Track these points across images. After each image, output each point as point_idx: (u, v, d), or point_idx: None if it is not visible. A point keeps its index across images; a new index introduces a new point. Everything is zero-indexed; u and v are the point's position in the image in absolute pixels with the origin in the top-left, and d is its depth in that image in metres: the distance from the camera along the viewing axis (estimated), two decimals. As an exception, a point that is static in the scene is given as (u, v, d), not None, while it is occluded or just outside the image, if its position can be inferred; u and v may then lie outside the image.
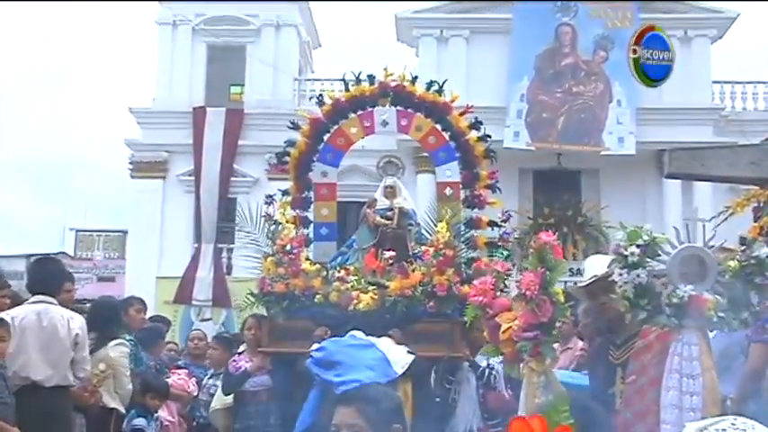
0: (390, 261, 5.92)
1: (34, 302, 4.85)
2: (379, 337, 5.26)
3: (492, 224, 6.36)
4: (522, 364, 3.62)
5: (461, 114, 6.57)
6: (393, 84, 6.52)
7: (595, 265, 3.99)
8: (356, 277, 5.92)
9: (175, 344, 8.30)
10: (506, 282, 3.88)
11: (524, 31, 16.18)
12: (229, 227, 15.24)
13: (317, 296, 5.80)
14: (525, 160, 15.76)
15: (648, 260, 3.36)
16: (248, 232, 6.67)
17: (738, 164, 3.77)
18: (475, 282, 3.96)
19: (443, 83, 6.62)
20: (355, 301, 5.71)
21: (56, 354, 4.75)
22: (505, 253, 6.01)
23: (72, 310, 5.02)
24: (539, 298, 3.46)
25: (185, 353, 7.38)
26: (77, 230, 21.69)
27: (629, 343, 3.76)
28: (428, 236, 6.36)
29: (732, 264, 3.39)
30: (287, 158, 6.56)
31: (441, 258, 5.73)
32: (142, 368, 5.56)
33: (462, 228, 6.31)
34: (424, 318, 5.74)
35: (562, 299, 3.58)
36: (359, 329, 5.34)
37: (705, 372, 3.33)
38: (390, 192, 6.56)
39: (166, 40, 17.98)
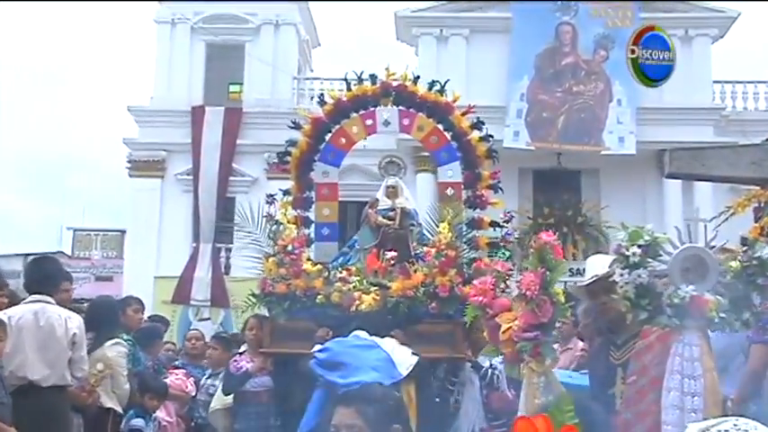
0: (392, 261, 5.90)
1: (31, 302, 4.84)
2: (381, 338, 5.23)
3: (494, 224, 6.34)
4: (522, 365, 3.60)
5: (463, 114, 6.55)
6: (395, 83, 6.50)
7: (596, 265, 3.98)
8: (358, 278, 5.90)
9: (173, 344, 8.28)
10: (507, 282, 3.86)
11: (524, 30, 16.16)
12: (228, 226, 15.23)
13: (319, 297, 5.78)
14: (525, 160, 15.73)
15: (650, 260, 3.34)
16: (248, 232, 6.65)
17: (739, 164, 3.76)
18: (475, 282, 3.94)
19: (445, 83, 6.60)
20: (357, 302, 5.69)
21: (53, 353, 4.73)
22: (507, 253, 5.99)
23: (70, 309, 5.00)
24: (539, 298, 3.44)
25: (183, 353, 7.36)
26: (75, 230, 21.68)
27: (630, 343, 3.75)
28: (430, 236, 6.35)
29: (734, 264, 3.38)
30: (288, 158, 6.54)
31: (443, 259, 5.71)
32: (140, 368, 5.54)
33: (464, 228, 6.28)
34: (425, 319, 5.72)
35: (562, 299, 3.57)
36: (361, 330, 5.31)
37: (706, 373, 3.33)
38: (392, 192, 6.54)
39: (165, 38, 17.95)
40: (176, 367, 6.43)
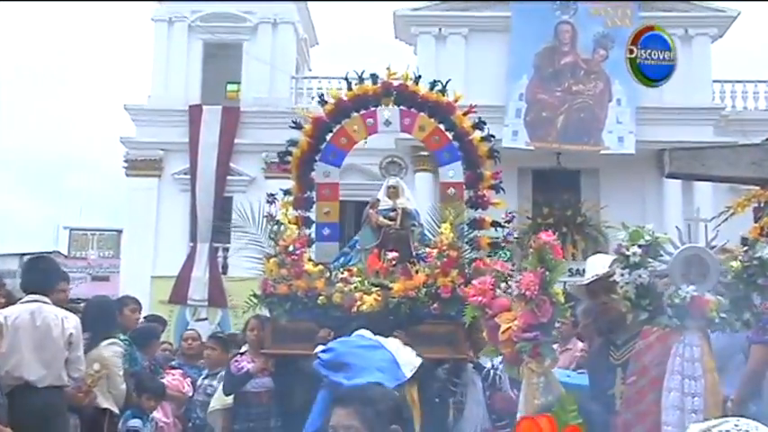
0: (393, 262, 5.89)
1: (28, 302, 4.82)
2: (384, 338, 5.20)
3: (495, 225, 6.32)
4: (521, 365, 3.58)
5: (465, 114, 6.53)
6: (396, 83, 6.48)
7: (597, 265, 3.97)
8: (359, 278, 5.88)
9: (170, 344, 8.25)
10: (509, 282, 3.84)
11: (523, 29, 16.13)
12: (225, 226, 15.20)
13: (320, 297, 5.77)
14: (524, 160, 15.71)
15: (650, 260, 3.33)
16: (245, 231, 6.63)
17: (739, 164, 3.75)
18: (474, 281, 3.92)
19: (447, 82, 6.58)
20: (358, 303, 5.67)
21: (49, 354, 4.71)
22: (508, 254, 5.98)
23: (66, 309, 4.98)
24: (538, 298, 3.43)
25: (179, 353, 7.34)
26: (71, 229, 21.61)
27: (630, 344, 3.74)
28: (431, 236, 6.33)
29: (734, 264, 3.36)
30: (289, 158, 6.52)
31: (445, 260, 5.70)
32: (137, 368, 5.52)
33: (465, 228, 6.27)
34: (427, 319, 5.71)
35: (562, 299, 3.55)
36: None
37: (707, 373, 3.32)
38: (393, 192, 6.52)
39: (162, 37, 17.89)
40: (173, 367, 6.41)
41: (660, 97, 14.83)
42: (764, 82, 17.39)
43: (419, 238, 6.39)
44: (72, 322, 4.83)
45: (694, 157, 3.84)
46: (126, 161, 17.58)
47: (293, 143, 6.52)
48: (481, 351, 5.28)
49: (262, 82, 17.63)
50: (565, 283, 3.87)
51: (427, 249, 5.98)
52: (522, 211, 15.34)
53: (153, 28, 18.09)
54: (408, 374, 4.87)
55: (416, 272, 5.83)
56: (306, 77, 18.67)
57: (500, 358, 4.65)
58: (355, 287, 5.79)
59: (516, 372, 3.73)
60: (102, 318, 5.37)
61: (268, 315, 5.97)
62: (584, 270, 4.17)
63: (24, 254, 16.05)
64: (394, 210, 6.38)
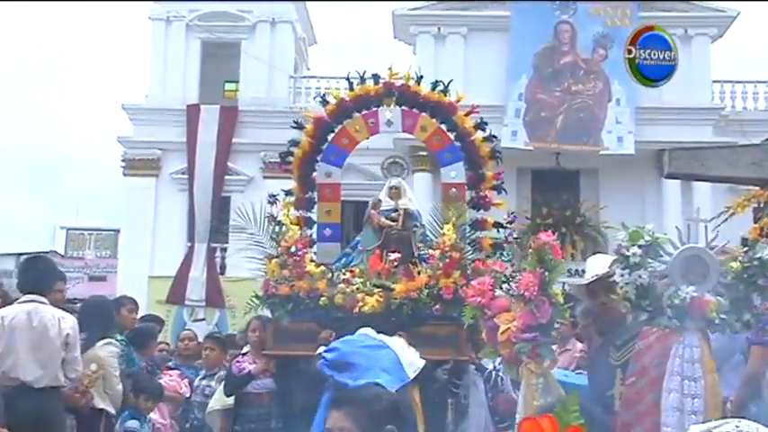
0: (395, 263, 5.87)
1: (24, 302, 4.79)
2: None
3: (497, 225, 6.30)
4: (520, 366, 3.57)
5: (467, 115, 6.51)
6: (398, 83, 6.46)
7: (596, 265, 3.96)
8: (361, 279, 5.86)
9: (167, 344, 8.22)
10: (510, 282, 3.83)
11: (523, 28, 16.11)
12: (223, 226, 15.17)
13: (322, 298, 5.75)
14: (523, 160, 15.69)
15: (650, 261, 3.32)
16: (242, 230, 6.61)
17: (739, 164, 3.73)
18: (473, 282, 3.91)
19: (449, 83, 6.56)
20: (360, 304, 5.66)
21: (46, 354, 4.68)
22: (510, 255, 5.97)
23: (63, 309, 4.95)
24: (538, 299, 3.42)
25: (176, 354, 7.31)
26: (68, 229, 21.60)
27: (629, 344, 3.73)
28: (433, 237, 6.31)
29: (734, 265, 3.35)
30: (290, 158, 6.50)
31: (447, 261, 5.68)
32: (134, 369, 5.49)
33: (467, 229, 6.24)
34: (429, 321, 5.69)
35: (561, 300, 3.54)
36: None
37: (707, 374, 3.31)
38: (395, 192, 6.50)
39: (160, 36, 17.86)
40: (170, 368, 6.37)
41: (659, 97, 14.82)
42: (764, 82, 17.38)
43: (421, 238, 6.37)
44: (69, 322, 4.80)
45: (694, 157, 3.83)
46: (123, 161, 17.54)
47: (294, 143, 6.50)
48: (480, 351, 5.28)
49: (260, 81, 17.59)
50: (564, 283, 3.86)
51: (429, 250, 5.96)
52: (521, 212, 15.31)
53: (150, 27, 18.05)
54: (411, 375, 4.85)
55: (418, 273, 5.81)
56: (304, 77, 18.65)
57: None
58: (357, 288, 5.77)
59: (515, 372, 3.72)
60: (98, 318, 5.34)
61: (270, 316, 5.95)
62: (583, 270, 4.16)
63: (21, 254, 16.04)
64: (396, 210, 6.36)
